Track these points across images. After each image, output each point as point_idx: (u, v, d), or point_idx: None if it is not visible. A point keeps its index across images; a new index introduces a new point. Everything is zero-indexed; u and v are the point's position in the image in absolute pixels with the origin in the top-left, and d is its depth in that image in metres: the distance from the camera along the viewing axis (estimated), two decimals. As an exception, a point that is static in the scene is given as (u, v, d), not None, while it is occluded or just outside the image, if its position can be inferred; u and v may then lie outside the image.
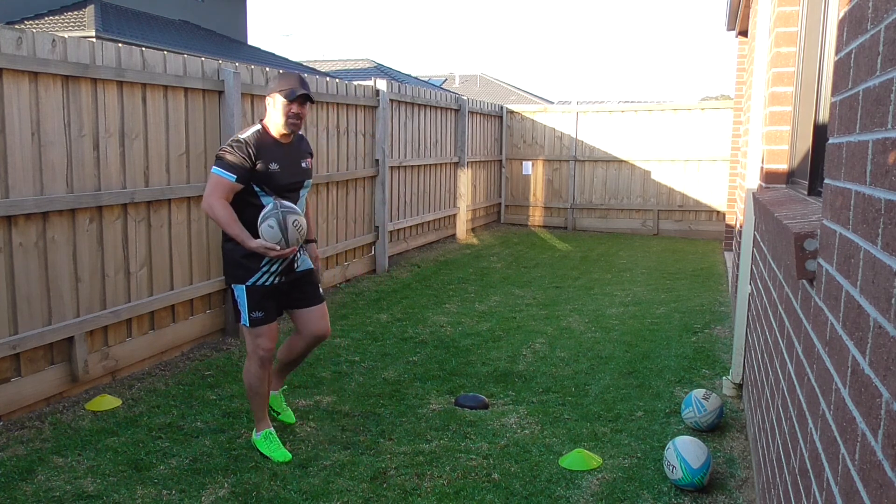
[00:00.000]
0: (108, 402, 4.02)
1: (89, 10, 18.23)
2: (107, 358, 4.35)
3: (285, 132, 3.36)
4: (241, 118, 5.32)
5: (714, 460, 3.36)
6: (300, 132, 3.54)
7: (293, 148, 3.44)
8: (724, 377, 4.41)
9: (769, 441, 2.53)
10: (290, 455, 3.43)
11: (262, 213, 3.23)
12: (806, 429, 1.73)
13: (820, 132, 2.76)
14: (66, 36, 4.03)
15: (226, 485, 3.13)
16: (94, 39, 9.09)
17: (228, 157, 3.24)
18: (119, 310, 4.38)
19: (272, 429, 3.51)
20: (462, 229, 10.63)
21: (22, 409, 3.81)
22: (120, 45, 4.38)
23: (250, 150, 3.27)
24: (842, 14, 1.59)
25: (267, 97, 3.35)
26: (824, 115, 2.69)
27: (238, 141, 3.28)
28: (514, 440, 3.63)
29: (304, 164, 3.49)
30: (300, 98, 3.32)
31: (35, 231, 3.85)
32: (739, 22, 7.87)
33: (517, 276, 8.08)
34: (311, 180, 3.56)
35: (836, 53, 1.62)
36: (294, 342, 3.63)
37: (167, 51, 5.30)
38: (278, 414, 3.78)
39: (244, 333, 3.45)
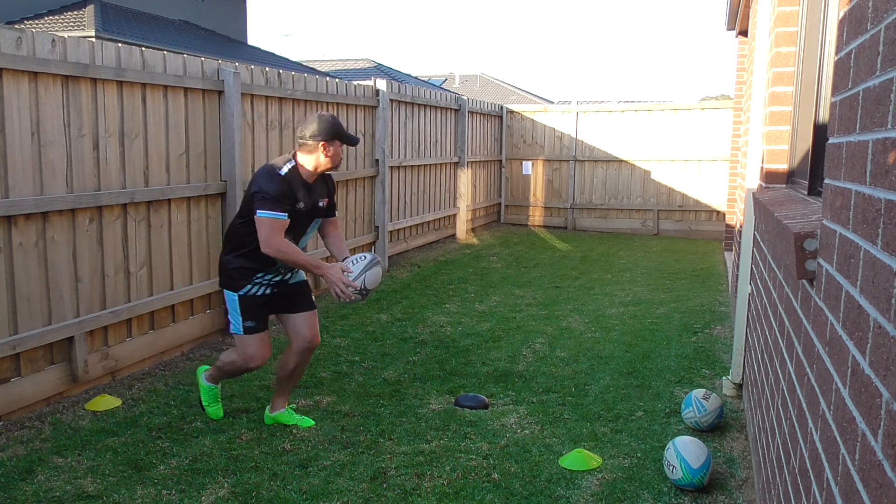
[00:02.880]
0: (108, 402, 4.01)
1: (89, 10, 18.23)
2: (107, 358, 4.34)
3: (329, 170, 3.54)
4: (240, 118, 5.32)
5: (714, 460, 3.36)
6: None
7: (316, 187, 3.58)
8: (724, 377, 4.41)
9: (769, 441, 2.53)
10: (222, 413, 3.82)
11: (374, 258, 3.52)
12: (806, 429, 1.73)
13: (820, 132, 2.76)
14: (65, 36, 4.03)
15: (226, 485, 3.13)
16: (93, 39, 9.09)
17: (274, 196, 3.33)
18: (119, 310, 4.38)
19: (219, 388, 3.83)
20: (462, 229, 10.63)
21: (22, 409, 3.81)
22: (120, 45, 4.38)
23: (289, 186, 3.39)
24: (842, 14, 1.59)
25: (317, 138, 3.43)
26: (824, 115, 2.69)
27: (280, 176, 3.39)
28: (514, 440, 3.63)
29: (320, 203, 3.62)
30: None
31: (35, 231, 3.85)
32: (739, 22, 7.87)
33: (517, 276, 8.08)
34: (322, 219, 3.71)
35: (836, 53, 1.62)
36: (287, 358, 3.72)
37: (167, 51, 5.30)
38: (297, 425, 3.77)
39: (236, 341, 3.61)
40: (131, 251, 4.51)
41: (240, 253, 3.49)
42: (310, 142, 3.45)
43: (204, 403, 3.82)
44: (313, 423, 3.79)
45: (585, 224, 12.05)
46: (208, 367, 3.90)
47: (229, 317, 3.58)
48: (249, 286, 3.50)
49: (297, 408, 4.03)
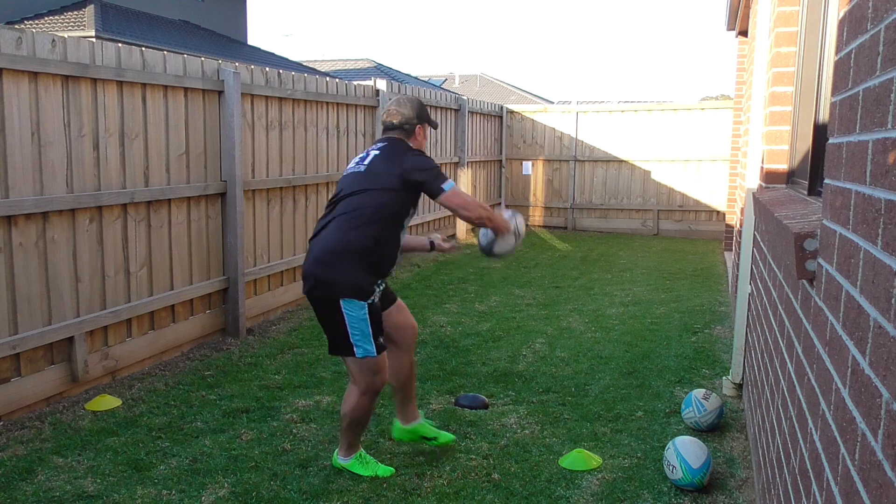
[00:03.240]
0: (108, 402, 4.02)
1: (89, 10, 18.24)
2: (107, 358, 4.35)
3: None
4: (240, 118, 5.32)
5: (714, 460, 3.36)
6: None
7: None
8: (724, 377, 4.41)
9: (769, 441, 2.53)
10: (391, 468, 3.24)
11: (521, 222, 3.32)
12: (806, 429, 1.73)
13: (820, 132, 2.76)
14: (66, 36, 4.03)
15: (226, 485, 3.13)
16: (94, 39, 9.09)
17: (439, 167, 3.18)
18: (119, 310, 4.38)
19: (362, 449, 3.28)
20: (462, 229, 10.63)
21: (22, 409, 3.81)
22: (120, 45, 4.38)
23: None
24: (842, 14, 1.59)
25: (414, 122, 3.31)
26: (824, 115, 2.69)
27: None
28: (514, 440, 3.63)
29: None
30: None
31: (35, 231, 3.85)
32: (739, 22, 7.87)
33: (517, 276, 8.08)
34: None
35: (836, 53, 1.62)
36: (400, 361, 3.32)
37: (167, 51, 5.30)
38: (436, 439, 3.43)
39: (357, 367, 3.03)
40: (131, 251, 4.51)
41: (365, 256, 2.98)
42: (407, 126, 3.30)
43: (369, 475, 3.20)
44: (453, 437, 3.47)
45: (585, 224, 12.05)
46: (341, 459, 3.26)
47: (352, 340, 2.97)
48: (373, 294, 3.01)
49: (297, 408, 4.03)
